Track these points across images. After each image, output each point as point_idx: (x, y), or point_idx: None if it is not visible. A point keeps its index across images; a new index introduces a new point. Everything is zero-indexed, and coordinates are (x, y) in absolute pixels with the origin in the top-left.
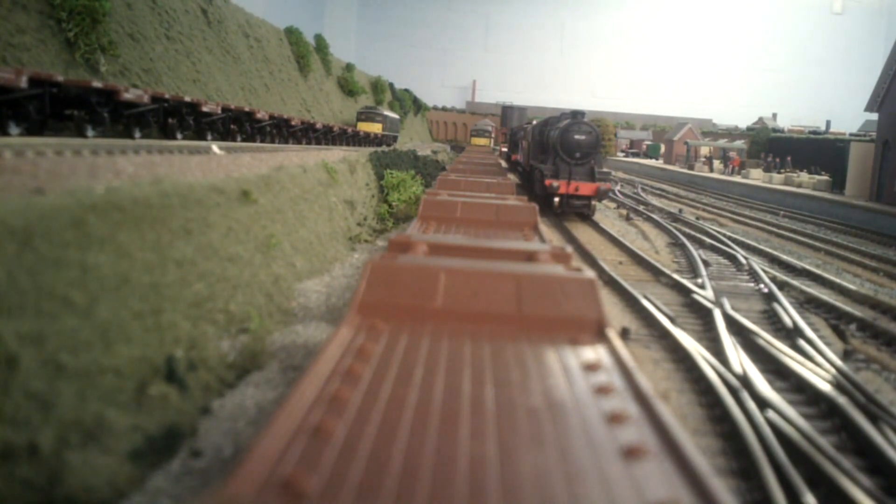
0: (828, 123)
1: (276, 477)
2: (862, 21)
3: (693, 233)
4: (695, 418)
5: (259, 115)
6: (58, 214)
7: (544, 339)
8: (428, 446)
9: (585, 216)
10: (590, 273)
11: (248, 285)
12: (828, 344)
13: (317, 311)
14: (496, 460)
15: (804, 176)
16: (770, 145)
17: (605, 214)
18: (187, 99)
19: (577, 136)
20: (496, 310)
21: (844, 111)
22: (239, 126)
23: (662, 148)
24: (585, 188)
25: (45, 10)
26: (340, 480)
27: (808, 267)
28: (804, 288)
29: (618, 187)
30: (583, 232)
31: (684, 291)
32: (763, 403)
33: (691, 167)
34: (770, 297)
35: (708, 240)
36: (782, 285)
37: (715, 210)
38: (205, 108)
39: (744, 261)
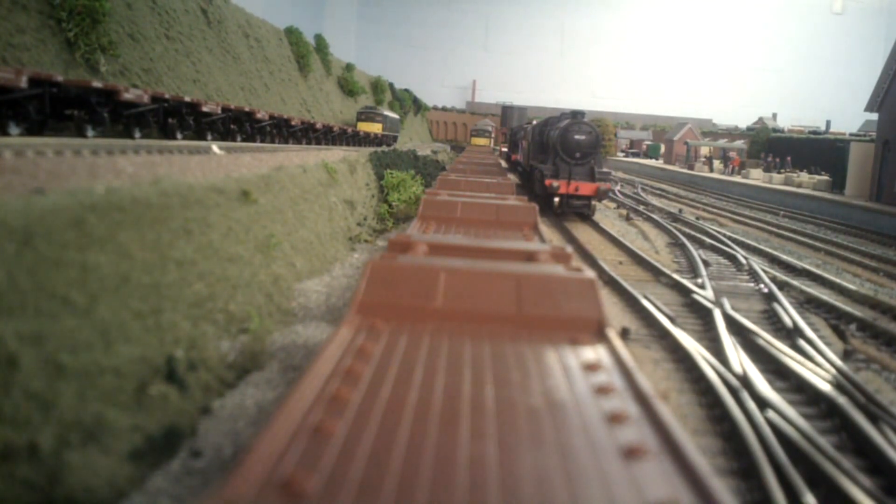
0: (828, 123)
1: (277, 477)
2: (862, 21)
3: (693, 233)
4: (695, 418)
5: (259, 115)
6: (58, 214)
7: (544, 339)
8: (428, 446)
9: (585, 216)
10: (590, 273)
11: (248, 285)
12: (828, 344)
13: (317, 311)
14: (496, 460)
15: (804, 176)
16: (770, 145)
17: (605, 214)
18: (187, 99)
19: (577, 136)
20: (496, 310)
21: (844, 111)
22: (239, 126)
23: (662, 148)
24: (585, 188)
25: (45, 10)
26: (340, 480)
27: (807, 267)
28: (804, 288)
29: (618, 187)
30: (583, 232)
31: (684, 291)
32: (763, 403)
33: (691, 167)
34: (770, 297)
35: (708, 240)
36: (782, 285)
37: (715, 210)
38: (205, 108)
39: (744, 261)
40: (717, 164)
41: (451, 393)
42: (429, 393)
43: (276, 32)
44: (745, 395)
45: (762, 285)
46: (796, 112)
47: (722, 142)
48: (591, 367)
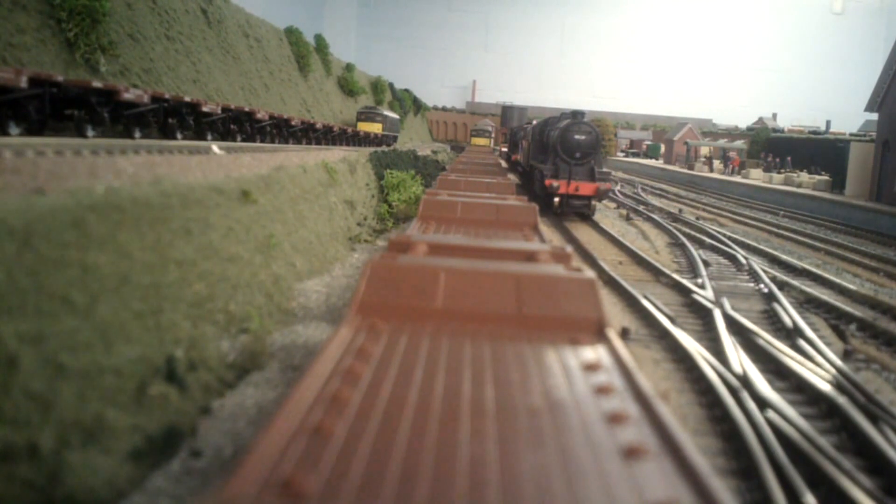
0: (828, 123)
1: (277, 477)
2: (862, 21)
3: (693, 233)
4: (695, 418)
5: (259, 115)
6: (58, 214)
7: (544, 339)
8: (428, 446)
9: (585, 216)
10: (590, 273)
11: (248, 285)
12: (828, 344)
13: (317, 311)
14: (496, 460)
15: (804, 176)
16: (770, 145)
17: (606, 214)
18: (187, 99)
19: (577, 136)
20: (496, 310)
21: (844, 111)
22: (239, 126)
23: (662, 148)
24: (585, 188)
25: (45, 10)
26: (340, 480)
27: (808, 267)
28: (804, 288)
29: (618, 187)
30: (583, 232)
31: (684, 291)
32: (763, 403)
33: (691, 167)
34: (770, 297)
35: (708, 240)
36: (782, 285)
37: (715, 210)
38: (205, 108)
39: (744, 261)
40: (717, 164)
41: (451, 393)
42: (429, 393)
43: (276, 32)
44: (745, 395)
45: (762, 285)
46: (796, 112)
47: (722, 142)
48: (591, 367)
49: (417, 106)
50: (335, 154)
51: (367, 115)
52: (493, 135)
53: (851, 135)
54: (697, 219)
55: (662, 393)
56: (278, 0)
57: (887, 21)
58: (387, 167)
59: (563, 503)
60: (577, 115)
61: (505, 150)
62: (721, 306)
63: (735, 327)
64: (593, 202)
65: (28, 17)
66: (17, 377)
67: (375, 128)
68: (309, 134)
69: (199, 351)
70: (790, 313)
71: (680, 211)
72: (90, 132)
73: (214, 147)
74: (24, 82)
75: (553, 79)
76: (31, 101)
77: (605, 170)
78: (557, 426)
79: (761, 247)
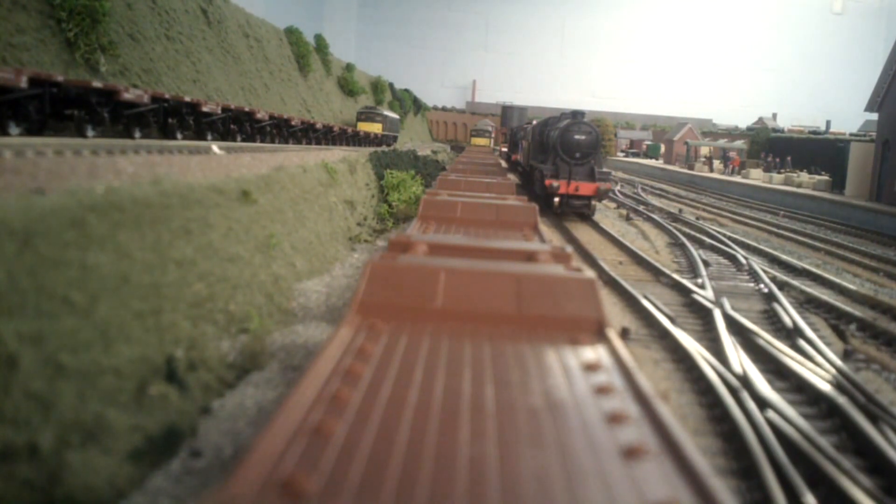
0: (828, 123)
1: (276, 477)
2: (862, 21)
3: (693, 233)
4: (695, 418)
5: (259, 115)
6: (58, 214)
7: (544, 339)
8: (428, 446)
9: (585, 216)
10: (590, 273)
11: (248, 285)
12: (828, 344)
13: (317, 311)
14: (496, 460)
15: (804, 176)
16: (770, 145)
17: (606, 214)
18: (187, 99)
19: (577, 136)
20: (496, 310)
21: (844, 111)
22: (239, 126)
23: (662, 148)
24: (585, 188)
25: (45, 10)
26: (340, 480)
27: (808, 267)
28: (804, 288)
29: (618, 187)
30: (583, 232)
31: (684, 291)
32: (763, 403)
33: (691, 167)
34: (770, 297)
35: (708, 240)
36: (782, 285)
37: (715, 210)
38: (205, 108)
39: (744, 261)
40: (717, 164)
41: (451, 393)
42: (429, 393)
43: (276, 32)
44: (745, 396)
45: (762, 285)
46: (796, 112)
47: (722, 142)
48: (591, 367)
49: (417, 106)
50: (335, 154)
51: (367, 115)
52: (493, 135)
53: (851, 135)
54: (697, 219)
55: (662, 393)
56: (278, 1)
57: (887, 21)
58: (387, 167)
59: (563, 503)
60: (577, 114)
61: (505, 150)
62: (721, 306)
63: (735, 327)
64: (593, 202)
65: (28, 17)
66: (17, 377)
67: (375, 128)
68: (309, 134)
69: (198, 351)
70: (790, 313)
71: (680, 211)
72: (90, 132)
73: (214, 147)
74: (24, 82)
75: (553, 79)
76: (32, 101)
77: (605, 170)
78: (557, 426)
79: (761, 247)
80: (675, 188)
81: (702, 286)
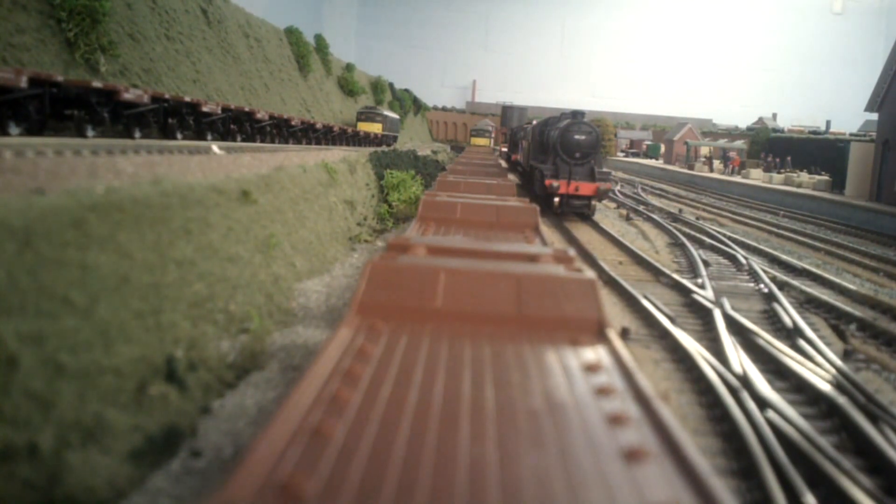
0: (828, 123)
1: (275, 479)
2: (862, 21)
3: (693, 233)
4: (695, 418)
5: (259, 116)
6: (58, 214)
7: (544, 340)
8: (428, 448)
9: (585, 216)
10: (590, 273)
11: (248, 285)
12: (828, 344)
13: (317, 311)
14: (496, 462)
15: (804, 176)
16: (770, 145)
17: (606, 214)
18: (187, 99)
19: (577, 136)
20: (496, 310)
21: (845, 111)
22: (239, 126)
23: (662, 148)
24: (585, 188)
25: (45, 9)
26: (339, 483)
27: (808, 267)
28: (804, 288)
29: (618, 187)
30: (583, 232)
31: (684, 291)
32: (763, 403)
33: (691, 167)
34: (770, 297)
35: (708, 240)
36: (782, 285)
37: (715, 210)
38: (205, 108)
39: (744, 261)
40: (717, 164)
41: (451, 394)
42: (428, 394)
43: (276, 32)
44: (745, 396)
45: (762, 285)
46: (797, 112)
47: (722, 142)
48: (591, 368)
49: (417, 106)
50: (335, 154)
51: (367, 115)
52: (493, 135)
53: (852, 135)
54: (697, 219)
55: (663, 393)
56: (278, 1)
57: (887, 21)
58: (387, 167)
59: None
60: (577, 115)
61: (505, 150)
62: (721, 306)
63: (735, 327)
64: (593, 202)
65: (28, 17)
66: (17, 377)
67: (375, 128)
68: (309, 134)
69: (198, 351)
70: (790, 313)
71: (680, 211)
72: (90, 132)
73: (214, 147)
74: (24, 82)
75: (553, 79)
76: (31, 101)
77: (605, 170)
78: (558, 427)
79: (761, 247)
80: (675, 188)
81: (702, 286)
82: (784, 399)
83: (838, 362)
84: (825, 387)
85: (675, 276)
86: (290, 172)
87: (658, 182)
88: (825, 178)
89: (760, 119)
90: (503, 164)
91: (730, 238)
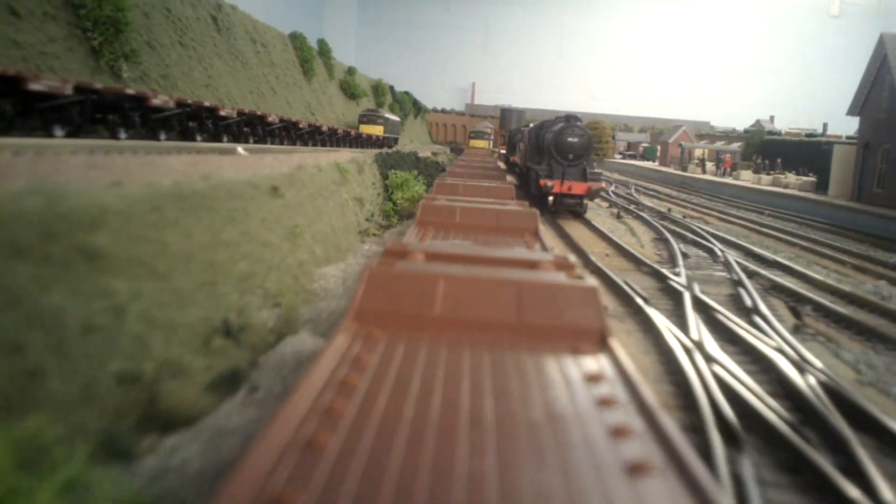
0: (825, 126)
1: (266, 494)
2: (859, 24)
3: (678, 230)
4: (655, 371)
5: (270, 119)
6: (141, 201)
7: (545, 349)
8: (425, 461)
9: (578, 214)
10: (591, 281)
11: (278, 267)
12: (781, 320)
13: (335, 292)
14: (495, 475)
15: (791, 177)
16: (764, 148)
17: (598, 213)
18: (207, 104)
19: (570, 139)
20: (496, 318)
21: (841, 113)
22: (252, 129)
23: (659, 150)
24: (578, 188)
25: (71, 20)
26: (333, 497)
27: (779, 259)
28: (772, 276)
29: (612, 188)
30: (575, 228)
31: (661, 278)
32: (711, 360)
33: (685, 169)
34: (737, 283)
35: (691, 236)
36: (752, 274)
37: (703, 209)
38: (222, 113)
39: (720, 254)
40: (710, 165)
41: (450, 405)
42: (426, 405)
43: (281, 38)
44: (697, 355)
45: (733, 274)
46: (794, 114)
47: (719, 144)
48: (593, 378)
49: (417, 108)
50: (344, 155)
51: (370, 117)
52: (492, 137)
53: (848, 137)
54: (684, 217)
55: (632, 356)
56: (279, 4)
57: (884, 24)
58: (391, 168)
59: None
60: (570, 118)
61: (503, 152)
62: (691, 290)
63: (701, 307)
64: (585, 201)
65: (57, 27)
66: (125, 323)
67: (377, 130)
68: (315, 136)
69: (246, 317)
70: (752, 295)
71: (669, 210)
72: (122, 134)
73: (240, 149)
74: (69, 89)
75: (552, 81)
76: (75, 107)
77: (596, 170)
78: (559, 440)
79: (741, 242)
80: (667, 189)
81: (677, 274)
82: (730, 358)
83: (785, 333)
84: (767, 350)
85: (655, 266)
86: (308, 171)
87: (652, 183)
88: (811, 179)
89: (758, 121)
90: (502, 165)
91: (712, 235)
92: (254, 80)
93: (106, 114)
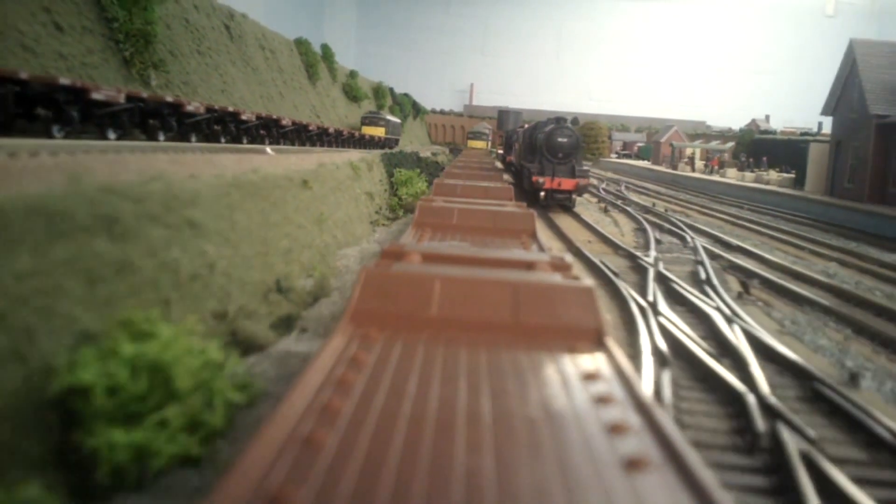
0: (819, 125)
1: (264, 491)
2: (854, 23)
3: (659, 221)
4: (616, 324)
5: (284, 122)
6: (215, 188)
7: (542, 349)
8: (422, 459)
9: (567, 207)
10: (588, 281)
11: (309, 246)
12: (728, 290)
13: (354, 268)
14: (493, 473)
15: (773, 174)
16: (753, 146)
17: (586, 207)
18: (230, 109)
19: (559, 139)
20: (493, 318)
21: None
22: (267, 131)
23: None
24: (566, 184)
25: (105, 33)
26: (330, 494)
27: (745, 245)
28: (732, 258)
29: (603, 185)
30: (564, 220)
31: (633, 259)
32: (658, 314)
33: (675, 167)
34: (698, 263)
35: (668, 226)
36: (714, 256)
37: (687, 204)
38: (243, 117)
39: (690, 240)
40: (699, 164)
41: (446, 404)
42: (423, 404)
43: (287, 44)
44: (650, 312)
45: (698, 256)
46: (789, 114)
47: (714, 143)
48: (590, 377)
49: (416, 109)
50: (354, 155)
51: (371, 119)
52: (489, 137)
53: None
54: (666, 210)
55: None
56: (282, 10)
57: (878, 24)
58: (395, 166)
59: None
60: (560, 120)
61: (501, 152)
62: (656, 266)
63: (662, 279)
64: (573, 195)
65: (94, 40)
66: (215, 276)
67: (379, 131)
68: (322, 137)
69: (290, 281)
70: (708, 271)
71: (653, 204)
72: (161, 137)
73: (268, 149)
74: (122, 98)
75: (550, 82)
76: (125, 113)
77: (584, 168)
78: (556, 437)
79: (714, 232)
80: (656, 186)
81: (648, 256)
82: (675, 314)
83: (727, 298)
84: (708, 309)
85: (630, 250)
86: (328, 168)
87: (642, 181)
88: (790, 175)
89: (753, 121)
90: (499, 165)
91: (688, 225)
92: (264, 84)
93: (147, 119)
